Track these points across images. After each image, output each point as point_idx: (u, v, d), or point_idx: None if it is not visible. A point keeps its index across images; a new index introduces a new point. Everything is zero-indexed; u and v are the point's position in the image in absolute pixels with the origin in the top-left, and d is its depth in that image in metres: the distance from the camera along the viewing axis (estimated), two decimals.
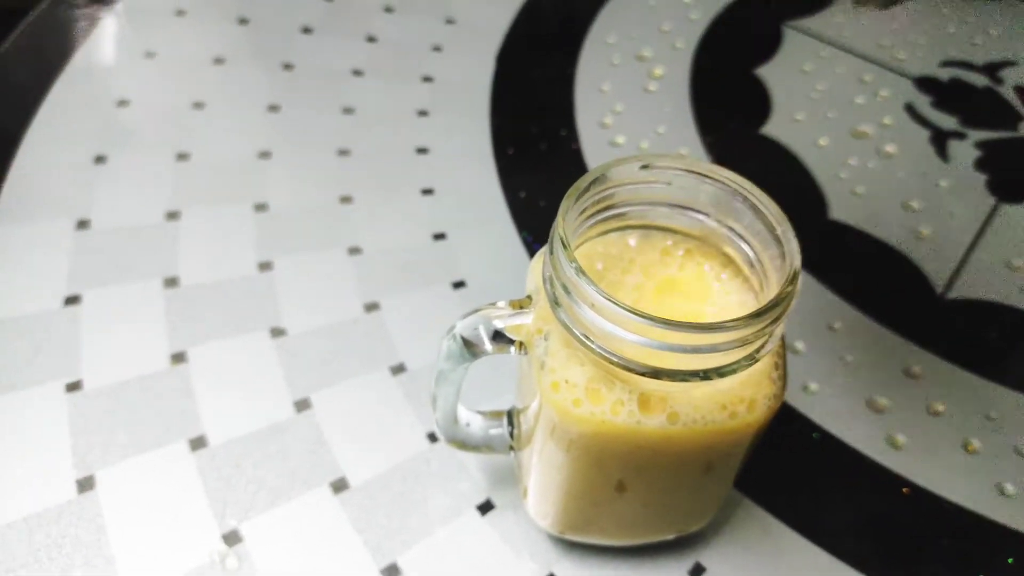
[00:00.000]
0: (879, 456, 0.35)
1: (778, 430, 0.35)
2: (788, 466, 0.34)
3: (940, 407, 0.37)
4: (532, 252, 0.41)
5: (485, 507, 0.32)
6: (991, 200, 0.47)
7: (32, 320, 0.36)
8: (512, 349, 0.26)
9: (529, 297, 0.26)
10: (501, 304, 0.26)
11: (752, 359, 0.22)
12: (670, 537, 0.30)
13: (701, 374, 0.22)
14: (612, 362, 0.22)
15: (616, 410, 0.23)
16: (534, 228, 0.42)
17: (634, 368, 0.22)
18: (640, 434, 0.23)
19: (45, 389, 0.34)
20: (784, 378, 0.25)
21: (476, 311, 0.26)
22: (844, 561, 0.31)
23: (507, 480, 0.32)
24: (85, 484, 0.31)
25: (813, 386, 0.37)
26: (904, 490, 0.33)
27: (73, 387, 0.34)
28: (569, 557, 0.30)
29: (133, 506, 0.31)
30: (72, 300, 0.37)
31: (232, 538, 0.30)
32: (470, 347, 0.26)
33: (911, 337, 0.39)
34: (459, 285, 0.39)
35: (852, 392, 0.37)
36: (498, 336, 0.26)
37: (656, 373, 0.22)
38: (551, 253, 0.23)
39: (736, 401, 0.23)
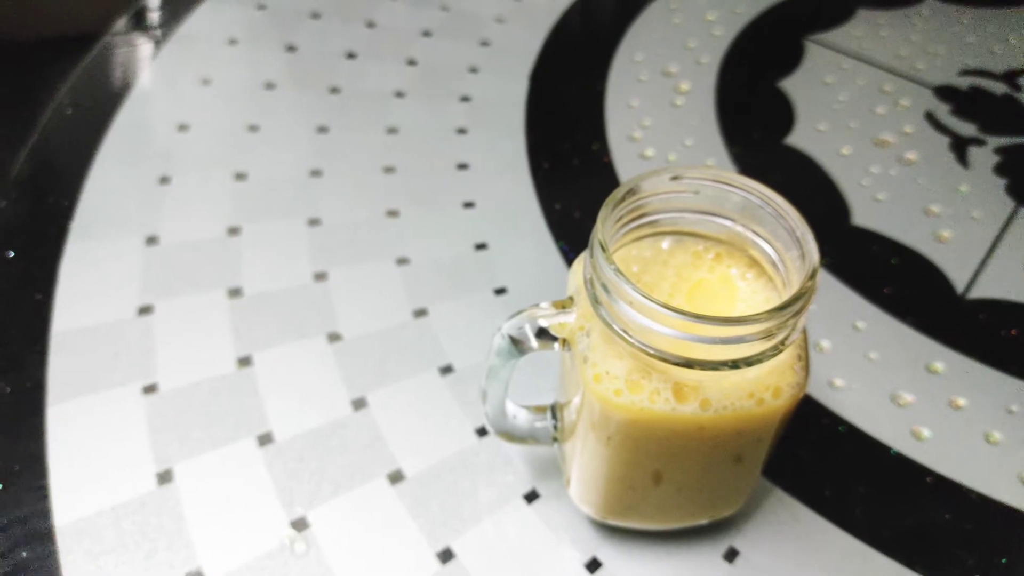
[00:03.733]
0: (903, 448, 0.36)
1: (806, 424, 0.37)
2: (816, 458, 0.36)
3: (962, 401, 0.38)
4: (568, 261, 0.44)
5: (531, 496, 0.34)
6: (1010, 204, 0.48)
7: (110, 328, 0.39)
8: (556, 346, 0.28)
9: (571, 298, 0.28)
10: (545, 305, 0.28)
11: (777, 349, 0.24)
12: (704, 522, 0.32)
13: (730, 364, 0.24)
14: (649, 354, 0.24)
15: (653, 399, 0.25)
16: (570, 238, 0.45)
17: (669, 359, 0.24)
18: (675, 420, 0.25)
19: (125, 391, 0.37)
20: (807, 368, 0.27)
21: (522, 312, 0.28)
22: (871, 546, 0.33)
23: (551, 471, 0.35)
24: (164, 477, 0.34)
25: (839, 382, 0.39)
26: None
27: (150, 389, 0.37)
28: (611, 542, 0.33)
29: (208, 496, 0.33)
30: (145, 310, 0.40)
31: (300, 524, 0.33)
32: (517, 344, 0.29)
33: (933, 335, 0.41)
34: (500, 292, 0.42)
35: (876, 388, 0.39)
36: (542, 334, 0.28)
37: (689, 363, 0.24)
38: (592, 256, 0.25)
39: (762, 389, 0.26)
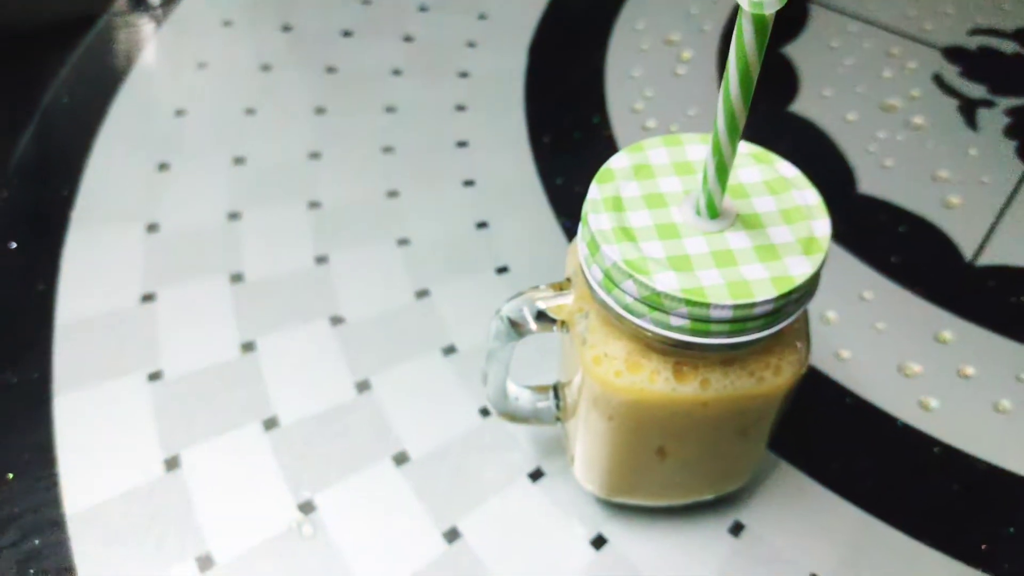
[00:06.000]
0: (911, 418, 0.36)
1: (812, 396, 0.37)
2: (822, 430, 0.36)
3: (970, 370, 0.38)
4: (571, 236, 0.43)
5: (536, 475, 0.34)
6: (1021, 167, 0.47)
7: (113, 317, 0.39)
8: (554, 328, 0.28)
9: (568, 280, 0.28)
10: (543, 287, 0.28)
11: (776, 331, 0.24)
12: (709, 497, 0.32)
13: (729, 344, 0.24)
14: (648, 335, 0.24)
15: (653, 379, 0.25)
16: (572, 213, 0.44)
17: (668, 340, 0.24)
18: (676, 401, 0.25)
19: (130, 379, 0.37)
20: (808, 345, 0.26)
21: (520, 294, 0.28)
22: (878, 518, 0.33)
23: (555, 450, 0.35)
24: (172, 463, 0.34)
25: (845, 353, 0.38)
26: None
27: (155, 376, 0.37)
28: (616, 518, 0.33)
29: (216, 481, 0.34)
30: (148, 298, 0.40)
31: (307, 508, 0.33)
32: (516, 327, 0.29)
33: (941, 304, 0.41)
34: (503, 270, 0.42)
35: (883, 358, 0.38)
36: (541, 316, 0.28)
37: (688, 344, 0.24)
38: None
39: (762, 367, 0.25)
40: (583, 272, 0.26)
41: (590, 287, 0.25)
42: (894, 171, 0.47)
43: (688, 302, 0.23)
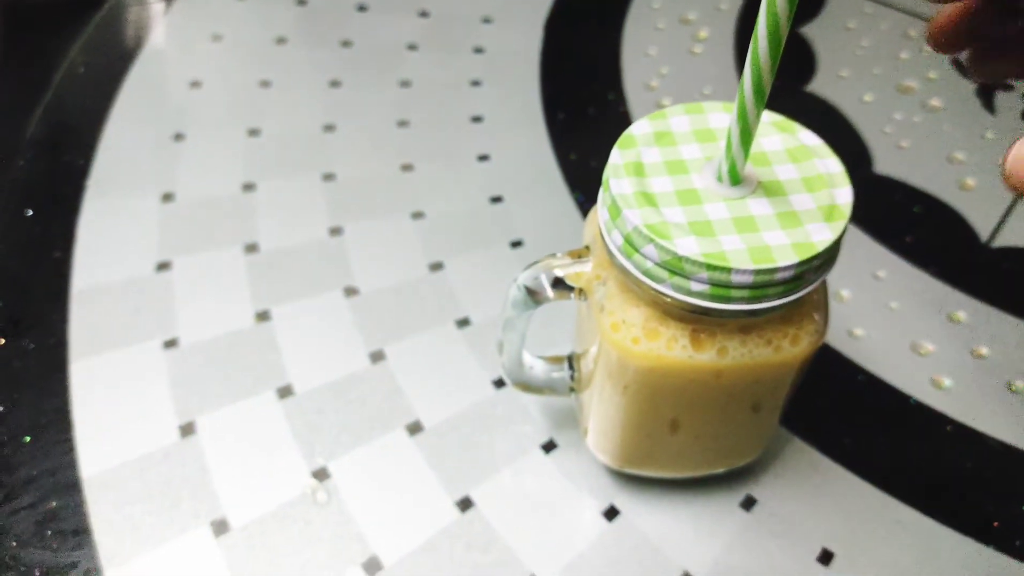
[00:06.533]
0: (924, 397, 0.36)
1: (825, 373, 0.37)
2: (835, 407, 0.36)
3: (984, 350, 0.38)
4: (584, 211, 0.43)
5: (548, 446, 0.34)
6: None
7: (129, 285, 0.39)
8: (572, 296, 0.28)
9: (587, 247, 0.28)
10: (560, 255, 0.28)
11: (795, 299, 0.24)
12: (722, 471, 0.32)
13: (748, 311, 0.24)
14: (668, 301, 0.24)
15: (671, 346, 0.25)
16: (586, 189, 0.44)
17: (687, 306, 0.24)
18: (693, 368, 0.25)
19: (145, 347, 0.37)
20: (826, 317, 0.26)
21: (538, 262, 0.28)
22: (891, 494, 0.33)
23: (568, 423, 0.35)
24: (187, 429, 0.34)
25: (859, 331, 0.38)
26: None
27: (170, 344, 0.37)
28: (628, 490, 0.33)
29: (231, 448, 0.34)
30: (164, 266, 0.40)
31: (321, 475, 0.33)
32: (533, 295, 0.29)
33: (955, 284, 0.41)
34: (516, 244, 0.42)
35: (897, 337, 0.38)
36: (558, 284, 0.28)
37: (707, 311, 0.24)
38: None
39: (780, 336, 0.25)
40: (602, 238, 0.26)
41: (609, 253, 0.25)
42: (910, 152, 0.47)
43: (709, 266, 0.23)
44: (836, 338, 0.38)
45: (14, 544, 0.31)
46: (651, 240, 0.23)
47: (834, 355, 0.38)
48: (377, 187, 0.44)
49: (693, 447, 0.31)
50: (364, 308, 0.39)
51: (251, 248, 0.41)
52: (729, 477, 0.33)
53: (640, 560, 0.31)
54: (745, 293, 0.23)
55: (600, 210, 0.26)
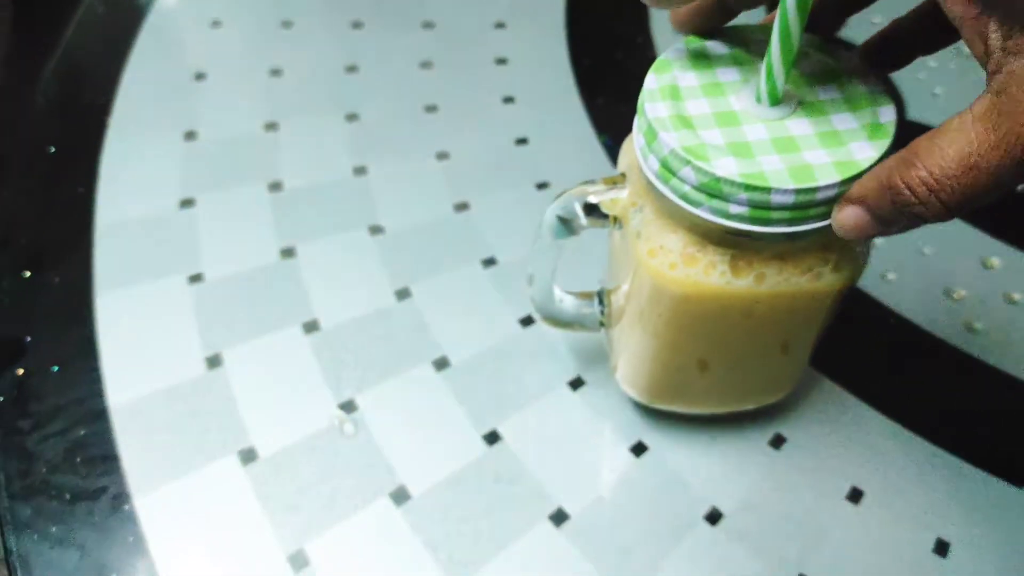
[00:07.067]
0: (955, 340, 0.36)
1: (856, 317, 0.36)
2: (866, 350, 0.36)
3: (1017, 296, 0.37)
4: (612, 155, 0.43)
5: (576, 383, 0.34)
6: None
7: (153, 221, 0.39)
8: (606, 224, 0.28)
9: (623, 175, 0.27)
10: (596, 181, 0.27)
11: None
12: (751, 407, 0.32)
13: (788, 235, 0.23)
14: (709, 224, 0.24)
15: (708, 272, 0.25)
16: (613, 131, 0.44)
17: (730, 229, 0.23)
18: (730, 295, 0.25)
19: (170, 281, 0.37)
20: (868, 245, 0.26)
21: (572, 189, 0.28)
22: (921, 435, 0.33)
23: (595, 361, 0.35)
24: (213, 361, 0.34)
25: (891, 276, 0.38)
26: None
27: (195, 279, 0.37)
28: (656, 426, 0.33)
29: (257, 380, 0.34)
30: (187, 203, 0.40)
31: (348, 407, 0.33)
32: (566, 223, 0.28)
33: (989, 231, 0.40)
34: (542, 186, 0.41)
35: (930, 282, 0.38)
36: (593, 211, 0.27)
37: (746, 235, 0.23)
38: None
39: (820, 263, 0.25)
40: (639, 164, 0.25)
41: (646, 179, 0.25)
42: (944, 99, 0.46)
43: (748, 187, 0.22)
44: (868, 282, 0.38)
45: (44, 469, 0.31)
46: (688, 162, 0.23)
47: (866, 299, 0.37)
48: (401, 128, 0.44)
49: (723, 383, 0.30)
50: (389, 247, 0.39)
51: (275, 186, 0.41)
52: (758, 415, 0.33)
53: (668, 495, 0.31)
54: (785, 215, 0.23)
55: (636, 136, 0.25)
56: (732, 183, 0.22)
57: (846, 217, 0.22)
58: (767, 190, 0.22)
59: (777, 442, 0.33)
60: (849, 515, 0.30)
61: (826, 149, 0.23)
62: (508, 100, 0.45)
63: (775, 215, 0.23)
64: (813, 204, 0.22)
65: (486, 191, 0.41)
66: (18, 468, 0.31)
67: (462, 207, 0.40)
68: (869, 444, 0.32)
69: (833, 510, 0.31)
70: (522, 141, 0.43)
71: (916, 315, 0.36)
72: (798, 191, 0.22)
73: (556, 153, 0.43)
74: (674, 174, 0.23)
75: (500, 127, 0.44)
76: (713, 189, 0.23)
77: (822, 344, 0.29)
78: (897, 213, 0.21)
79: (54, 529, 0.30)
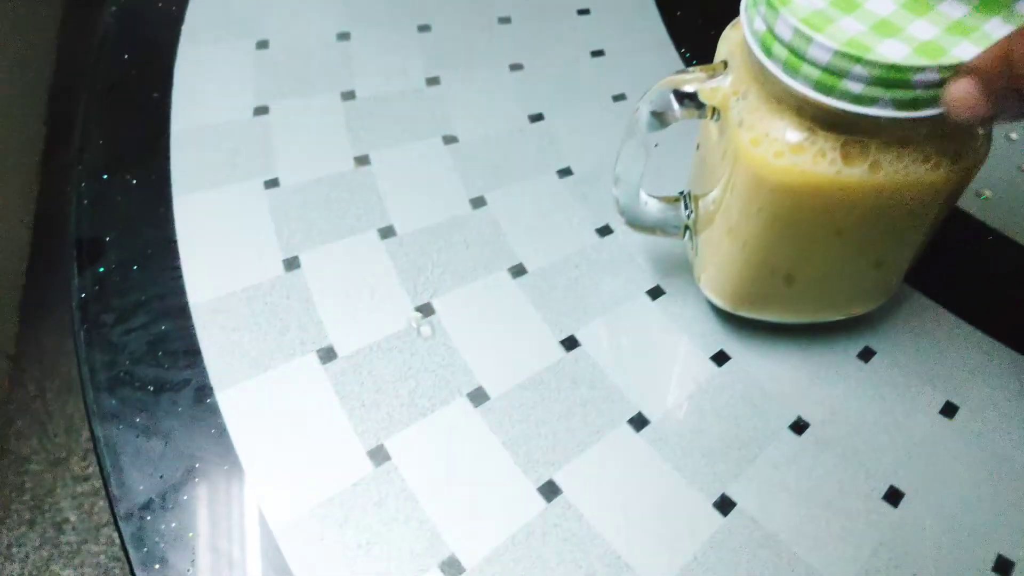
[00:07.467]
0: None
1: (951, 233, 0.35)
2: (961, 266, 0.34)
3: None
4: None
5: (655, 292, 0.33)
6: None
7: (227, 127, 0.39)
8: (701, 115, 0.27)
9: (724, 63, 0.26)
10: (693, 69, 0.26)
11: None
12: (839, 318, 0.31)
13: (909, 120, 0.22)
14: (828, 108, 0.22)
15: (817, 160, 0.24)
16: (692, 44, 0.42)
17: (850, 111, 0.22)
18: (839, 185, 0.24)
19: (246, 186, 0.37)
20: (989, 136, 0.24)
21: (665, 80, 0.27)
22: (1018, 351, 0.31)
23: (675, 270, 0.34)
24: (291, 263, 0.34)
25: (988, 192, 0.36)
26: None
27: (271, 184, 0.37)
28: (739, 336, 0.32)
29: (335, 282, 0.34)
30: (261, 110, 0.40)
31: (425, 310, 0.33)
32: (659, 116, 0.27)
33: None
34: (619, 98, 0.40)
35: None
36: (689, 101, 0.26)
37: (865, 117, 0.22)
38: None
39: (940, 153, 0.23)
40: (745, 49, 0.24)
41: (754, 63, 0.23)
42: None
43: (883, 66, 0.21)
44: (964, 199, 0.36)
45: (128, 361, 0.31)
46: (811, 39, 0.21)
47: (961, 215, 0.35)
48: (473, 39, 0.43)
49: (815, 291, 0.29)
50: (464, 156, 0.38)
51: (348, 95, 0.40)
52: (845, 326, 0.32)
53: (751, 404, 0.30)
54: (931, 93, 0.21)
55: (744, 17, 0.24)
56: (876, 64, 0.21)
57: (957, 89, 0.21)
58: (918, 69, 0.21)
59: (866, 355, 0.31)
60: (943, 429, 0.29)
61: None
62: (583, 12, 0.44)
63: (921, 95, 0.21)
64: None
65: (561, 102, 0.40)
66: (102, 360, 0.32)
67: (537, 118, 0.39)
68: (964, 359, 0.31)
69: (926, 423, 0.30)
70: (598, 53, 0.42)
71: (1013, 232, 0.35)
72: (942, 67, 0.21)
73: (633, 65, 0.41)
74: (802, 58, 0.22)
75: (575, 39, 0.43)
76: (884, 77, 0.21)
77: (917, 261, 0.28)
78: (1009, 90, 0.20)
79: (139, 419, 0.30)
